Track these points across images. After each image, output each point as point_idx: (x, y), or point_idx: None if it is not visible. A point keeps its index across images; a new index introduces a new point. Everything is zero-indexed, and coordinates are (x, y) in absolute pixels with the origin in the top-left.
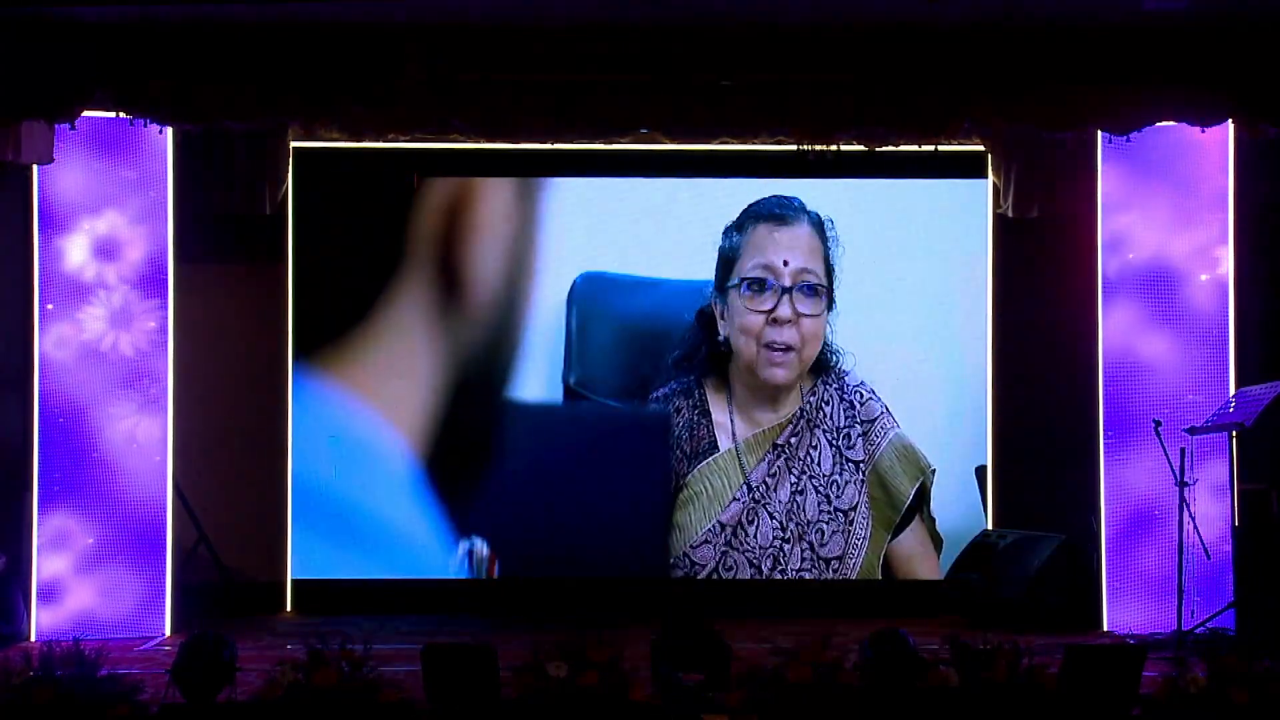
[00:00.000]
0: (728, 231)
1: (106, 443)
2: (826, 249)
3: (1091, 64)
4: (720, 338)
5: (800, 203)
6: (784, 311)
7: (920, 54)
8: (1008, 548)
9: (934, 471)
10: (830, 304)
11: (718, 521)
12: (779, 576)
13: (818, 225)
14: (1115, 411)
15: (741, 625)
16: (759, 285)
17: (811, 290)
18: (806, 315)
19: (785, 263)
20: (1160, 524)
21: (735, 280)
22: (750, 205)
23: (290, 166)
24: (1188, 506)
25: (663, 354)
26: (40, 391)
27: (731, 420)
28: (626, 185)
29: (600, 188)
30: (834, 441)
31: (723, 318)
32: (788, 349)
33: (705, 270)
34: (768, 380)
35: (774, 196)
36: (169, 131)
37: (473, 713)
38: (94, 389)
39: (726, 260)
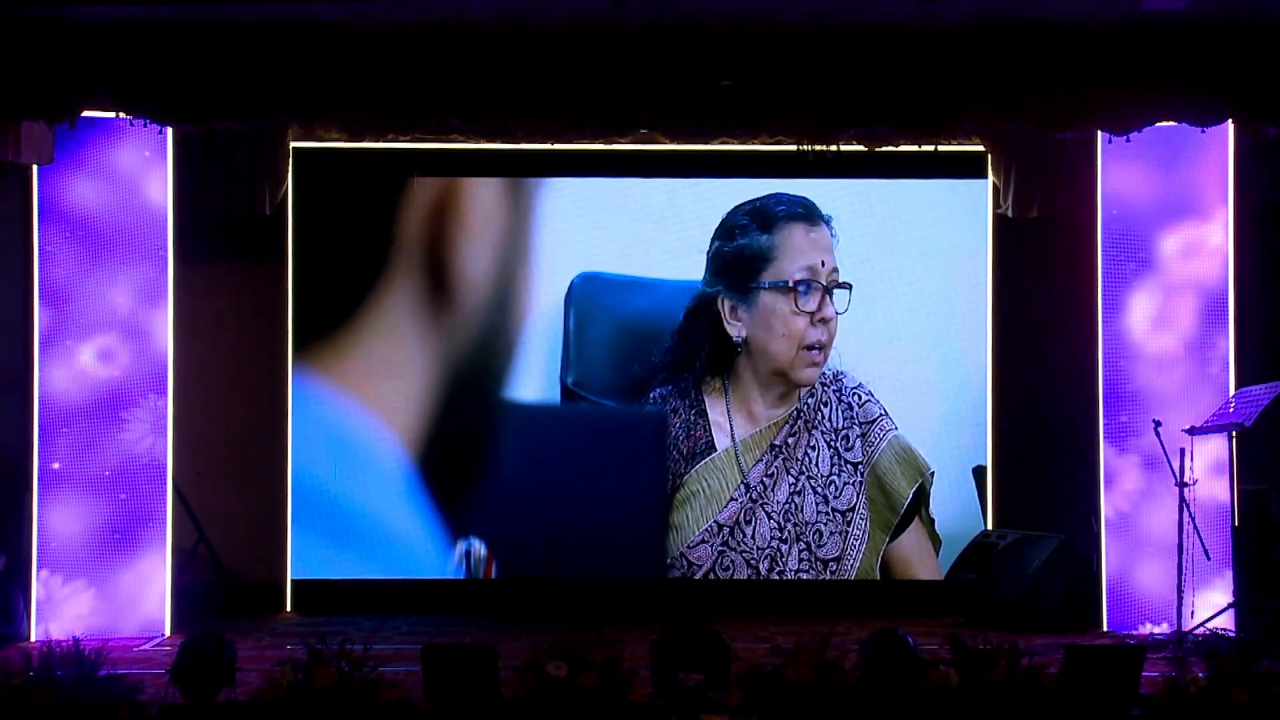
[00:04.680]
0: (744, 230)
1: (106, 442)
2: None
3: (1091, 64)
4: (737, 338)
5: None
6: (829, 312)
7: (920, 54)
8: (1007, 548)
9: (933, 474)
10: None
11: (715, 521)
12: (776, 577)
13: (829, 224)
14: (1115, 411)
15: (741, 625)
16: (808, 287)
17: (841, 289)
18: (838, 314)
19: (823, 264)
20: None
21: (771, 281)
22: (768, 204)
23: (290, 166)
24: (1188, 506)
25: (647, 361)
26: (40, 392)
27: (729, 420)
28: (626, 185)
29: (599, 188)
30: (832, 443)
31: (736, 318)
32: (822, 349)
33: (704, 270)
34: (802, 380)
35: (786, 195)
36: (169, 131)
37: (473, 713)
38: (94, 389)
39: (752, 259)
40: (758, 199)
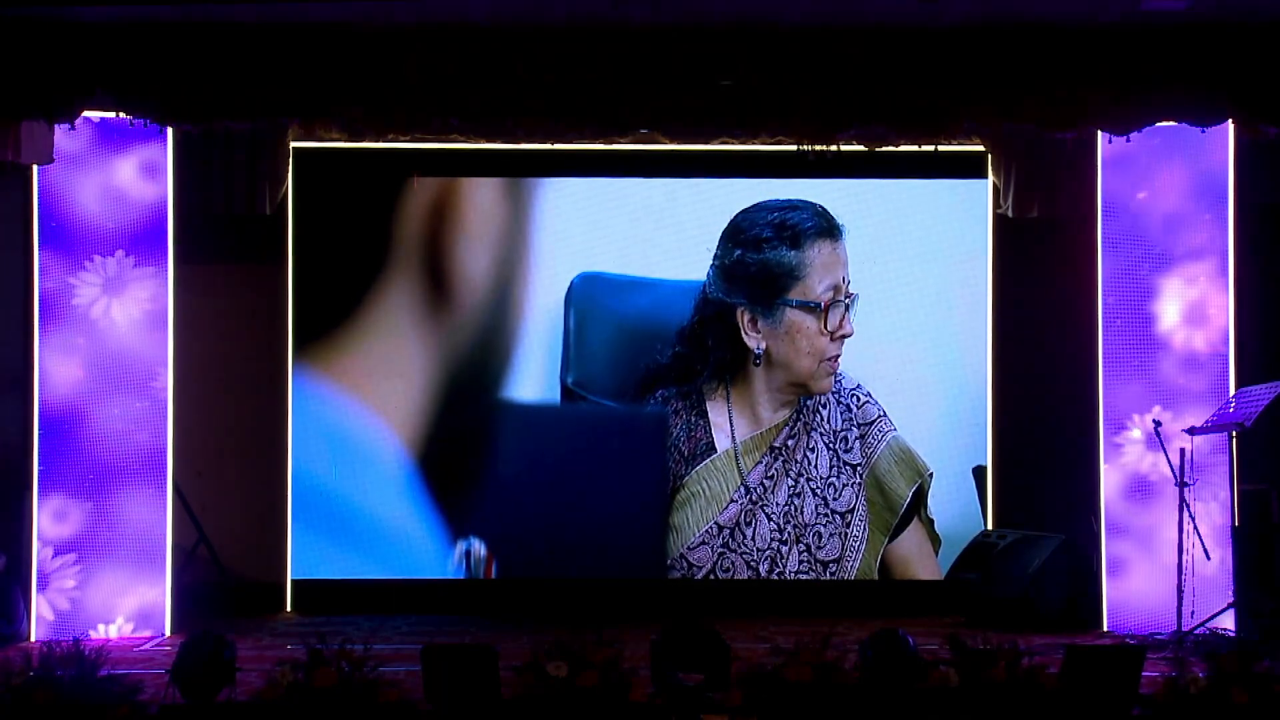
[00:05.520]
0: (770, 244)
1: (107, 442)
2: None
3: (1091, 64)
4: (757, 350)
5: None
6: (849, 328)
7: (920, 54)
8: (1007, 548)
9: (932, 475)
10: None
11: (715, 523)
12: (776, 578)
13: (843, 235)
14: (1115, 411)
15: (741, 625)
16: (838, 307)
17: (855, 302)
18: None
19: (844, 279)
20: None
21: (808, 301)
22: (794, 219)
23: (290, 166)
24: (1187, 507)
25: (659, 353)
26: (40, 391)
27: (730, 421)
28: (626, 185)
29: (599, 187)
30: (831, 445)
31: (755, 330)
32: (838, 358)
33: (704, 270)
34: (821, 390)
35: (807, 206)
36: (169, 131)
37: (473, 713)
38: (94, 388)
39: (779, 276)
40: (777, 207)
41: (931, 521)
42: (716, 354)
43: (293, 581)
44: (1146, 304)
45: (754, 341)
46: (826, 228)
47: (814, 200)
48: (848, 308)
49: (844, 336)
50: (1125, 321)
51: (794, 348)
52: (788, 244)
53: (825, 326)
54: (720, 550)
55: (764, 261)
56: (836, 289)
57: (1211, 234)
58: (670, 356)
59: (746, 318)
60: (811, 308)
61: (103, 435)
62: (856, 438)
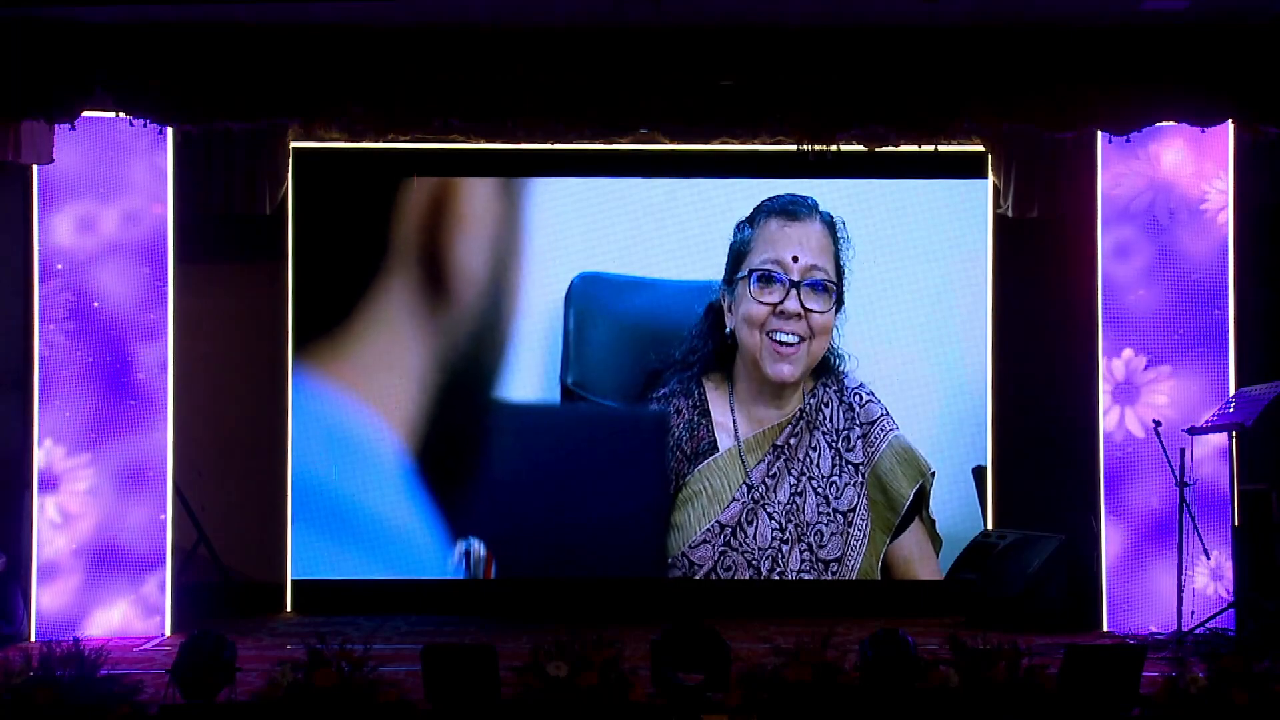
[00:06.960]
0: (740, 226)
1: (107, 442)
2: (837, 249)
3: (1091, 64)
4: (727, 330)
5: (814, 202)
6: (791, 305)
7: (920, 54)
8: (1007, 548)
9: (934, 474)
10: (839, 304)
11: (717, 522)
12: (777, 577)
13: (830, 225)
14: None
15: (741, 625)
16: (767, 278)
17: (820, 287)
18: (814, 311)
19: (795, 258)
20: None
21: (744, 272)
22: (764, 200)
23: (290, 166)
24: (1188, 507)
25: (660, 355)
26: (40, 391)
27: (732, 420)
28: (626, 185)
29: (599, 187)
30: (833, 443)
31: (730, 310)
32: (793, 343)
33: (704, 270)
34: (773, 376)
35: (789, 194)
36: (169, 131)
37: (473, 713)
38: (94, 388)
39: (737, 253)
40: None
41: (933, 521)
42: (711, 343)
43: (293, 581)
44: (1147, 302)
45: (729, 322)
46: (784, 208)
47: (817, 201)
48: (795, 286)
49: (784, 314)
50: (1125, 320)
51: (739, 320)
52: (748, 223)
53: (751, 294)
54: (721, 549)
55: (731, 243)
56: (780, 263)
57: (1211, 233)
58: (680, 347)
59: (725, 302)
60: (745, 277)
61: (103, 434)
62: (859, 437)
